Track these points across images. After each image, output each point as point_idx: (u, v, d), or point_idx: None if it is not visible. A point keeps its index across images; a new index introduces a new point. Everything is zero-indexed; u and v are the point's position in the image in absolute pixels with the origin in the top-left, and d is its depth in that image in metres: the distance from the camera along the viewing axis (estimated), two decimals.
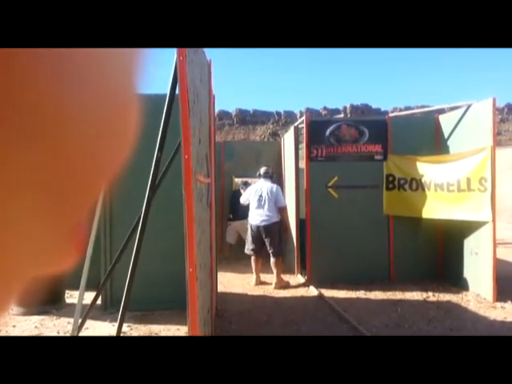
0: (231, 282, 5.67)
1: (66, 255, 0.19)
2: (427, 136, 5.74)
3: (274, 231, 5.44)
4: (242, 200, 5.81)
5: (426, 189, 5.36)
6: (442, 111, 6.14)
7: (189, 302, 2.08)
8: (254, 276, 5.57)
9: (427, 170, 5.38)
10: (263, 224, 5.39)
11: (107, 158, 0.18)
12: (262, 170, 5.72)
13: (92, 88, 0.16)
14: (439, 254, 5.68)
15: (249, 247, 5.55)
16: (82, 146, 0.16)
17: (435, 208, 5.25)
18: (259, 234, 5.42)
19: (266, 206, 5.39)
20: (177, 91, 2.46)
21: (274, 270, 5.43)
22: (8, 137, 0.14)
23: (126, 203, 4.37)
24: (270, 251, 5.41)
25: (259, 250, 5.47)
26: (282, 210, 5.56)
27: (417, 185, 5.46)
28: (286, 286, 5.44)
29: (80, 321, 3.22)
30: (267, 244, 5.42)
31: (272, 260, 5.43)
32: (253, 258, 5.53)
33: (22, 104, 0.14)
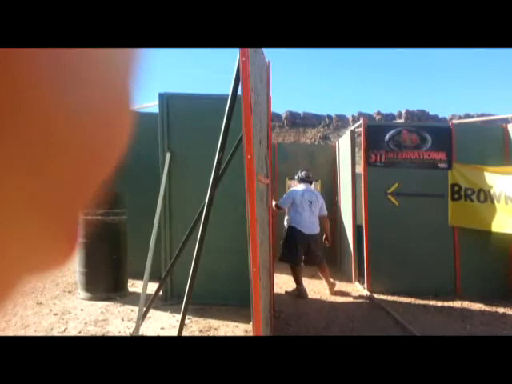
0: (287, 284, 5.70)
1: (58, 254, 0.19)
2: (495, 145, 5.44)
3: (320, 239, 5.37)
4: (284, 204, 5.36)
5: (495, 201, 5.07)
6: (505, 121, 5.79)
7: (253, 301, 2.14)
8: (302, 288, 5.27)
9: (496, 181, 5.09)
10: (315, 232, 5.25)
11: (100, 158, 0.18)
12: (304, 173, 5.50)
13: (87, 89, 0.16)
14: (511, 270, 5.36)
15: (295, 257, 5.18)
16: (76, 146, 0.16)
17: (506, 222, 4.96)
18: (309, 242, 5.20)
19: (315, 214, 5.29)
20: (239, 92, 2.53)
21: (324, 276, 5.35)
22: (3, 138, 0.13)
23: (185, 200, 4.57)
24: (317, 259, 5.28)
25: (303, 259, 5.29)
26: (325, 219, 5.43)
27: (485, 196, 5.19)
28: (334, 285, 5.38)
29: (144, 310, 3.41)
30: (313, 252, 5.23)
31: (319, 267, 5.34)
32: (297, 268, 5.23)
33: (17, 105, 0.13)
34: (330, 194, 7.29)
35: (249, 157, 2.17)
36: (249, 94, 2.18)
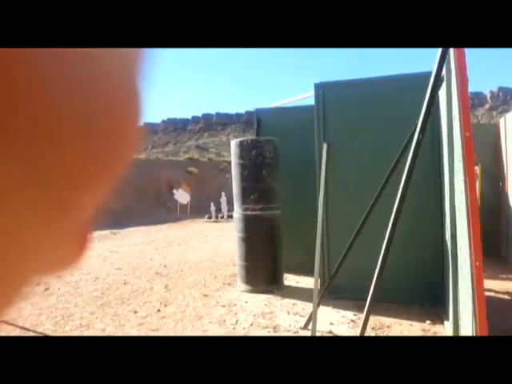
0: None
1: (67, 254, 0.18)
2: None
3: None
4: None
5: None
6: None
7: (475, 298, 1.86)
8: None
9: None
10: None
11: (107, 158, 0.17)
12: None
13: (91, 88, 0.16)
14: None
15: None
16: (85, 145, 0.16)
17: None
18: None
19: None
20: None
21: None
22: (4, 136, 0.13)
23: (342, 192, 4.39)
24: None
25: None
26: None
27: None
28: None
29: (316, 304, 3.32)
30: None
31: None
32: None
33: (17, 105, 0.13)
34: (494, 180, 6.41)
35: (467, 134, 1.88)
36: (465, 68, 1.91)
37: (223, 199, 17.44)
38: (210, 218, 15.97)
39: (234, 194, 5.13)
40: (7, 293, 0.15)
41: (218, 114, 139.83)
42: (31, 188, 0.14)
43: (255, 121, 6.05)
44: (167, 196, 19.47)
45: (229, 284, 5.31)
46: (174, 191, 16.47)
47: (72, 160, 0.15)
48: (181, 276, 5.87)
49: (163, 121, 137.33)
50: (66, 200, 0.16)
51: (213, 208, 15.98)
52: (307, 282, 5.18)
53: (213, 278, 5.70)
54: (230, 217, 16.68)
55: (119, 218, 14.47)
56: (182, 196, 16.27)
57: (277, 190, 4.96)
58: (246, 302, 4.51)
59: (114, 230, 11.89)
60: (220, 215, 16.29)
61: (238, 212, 5.01)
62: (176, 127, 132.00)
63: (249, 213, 4.87)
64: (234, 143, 5.02)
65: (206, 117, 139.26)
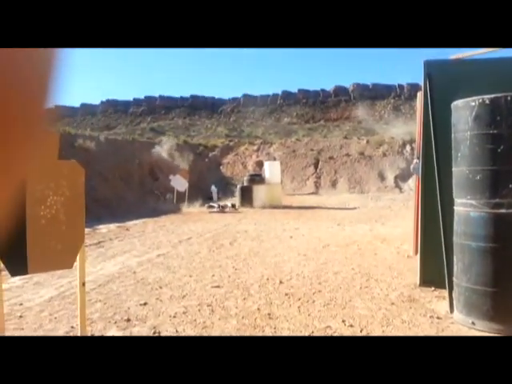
0: None
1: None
2: None
3: None
4: None
5: None
6: None
7: None
8: None
9: None
10: None
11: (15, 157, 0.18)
12: None
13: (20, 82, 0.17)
14: None
15: None
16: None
17: None
18: None
19: None
20: None
21: None
22: None
23: None
24: None
25: None
26: None
27: None
28: None
29: None
30: None
31: None
32: None
33: None
34: None
35: None
36: None
37: (214, 189, 15.49)
38: (211, 207, 13.86)
39: (464, 180, 3.33)
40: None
41: (161, 97, 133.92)
42: None
43: (425, 78, 4.27)
44: (151, 182, 16.94)
45: (437, 317, 3.52)
46: (171, 177, 14.13)
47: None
48: (345, 303, 3.97)
49: (102, 102, 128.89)
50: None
51: (215, 197, 13.92)
52: None
53: (388, 304, 3.87)
54: (234, 206, 14.74)
55: (113, 209, 11.94)
56: (180, 183, 13.98)
57: None
58: None
59: (119, 224, 9.48)
60: (221, 204, 14.27)
61: (477, 209, 3.23)
62: (116, 109, 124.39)
63: (503, 211, 3.11)
64: (472, 102, 3.21)
65: (149, 99, 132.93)
